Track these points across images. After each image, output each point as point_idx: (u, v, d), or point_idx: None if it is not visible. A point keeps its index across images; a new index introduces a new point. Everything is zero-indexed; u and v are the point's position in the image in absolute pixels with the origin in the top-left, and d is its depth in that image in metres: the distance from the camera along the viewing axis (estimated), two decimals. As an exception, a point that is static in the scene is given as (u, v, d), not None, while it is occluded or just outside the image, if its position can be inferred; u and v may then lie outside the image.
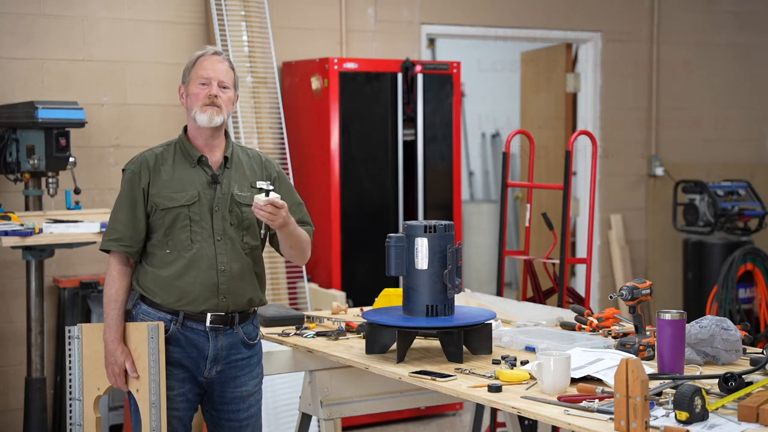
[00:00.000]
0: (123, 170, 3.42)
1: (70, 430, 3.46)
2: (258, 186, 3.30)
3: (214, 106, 3.35)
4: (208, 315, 3.35)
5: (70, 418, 3.45)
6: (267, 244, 3.56)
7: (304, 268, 5.89)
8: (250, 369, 3.47)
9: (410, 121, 6.09)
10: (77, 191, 5.18)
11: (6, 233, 4.73)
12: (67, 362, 3.46)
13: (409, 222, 3.37)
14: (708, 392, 2.64)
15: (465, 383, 3.03)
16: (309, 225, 3.55)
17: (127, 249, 3.34)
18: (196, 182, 3.36)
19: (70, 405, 3.45)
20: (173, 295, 3.33)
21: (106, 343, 3.33)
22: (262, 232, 3.43)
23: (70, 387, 3.45)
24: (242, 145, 3.53)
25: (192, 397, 3.41)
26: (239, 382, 3.45)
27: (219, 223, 3.36)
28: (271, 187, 3.29)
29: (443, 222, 3.33)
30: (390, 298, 3.95)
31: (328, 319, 3.93)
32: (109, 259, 3.37)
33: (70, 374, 3.45)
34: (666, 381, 2.88)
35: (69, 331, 3.45)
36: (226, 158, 3.41)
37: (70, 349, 3.45)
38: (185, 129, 3.45)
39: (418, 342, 3.48)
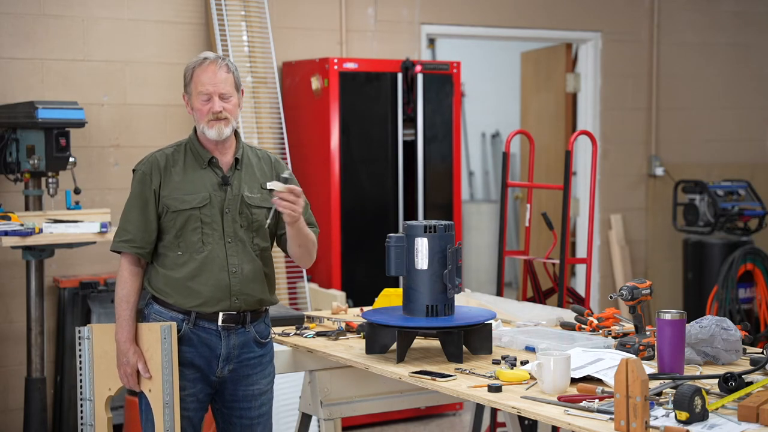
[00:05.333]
0: (134, 171, 3.41)
1: (81, 430, 3.47)
2: (276, 181, 3.27)
3: (220, 120, 3.33)
4: (220, 314, 3.35)
5: (81, 418, 3.46)
6: (274, 244, 3.55)
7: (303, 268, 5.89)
8: (262, 368, 3.48)
9: (410, 121, 6.09)
10: (77, 191, 5.17)
11: (6, 233, 4.73)
12: (78, 363, 3.47)
13: (409, 222, 3.37)
14: (708, 392, 2.64)
15: (465, 383, 3.03)
16: (315, 227, 3.53)
17: (139, 250, 3.33)
18: (206, 184, 3.36)
19: (81, 405, 3.46)
20: (186, 297, 3.33)
21: (118, 343, 3.33)
22: (269, 222, 3.37)
23: (81, 387, 3.46)
24: (252, 146, 3.52)
25: (202, 398, 3.42)
26: (251, 380, 3.45)
27: (230, 224, 3.36)
28: (288, 175, 3.29)
29: (443, 222, 3.33)
30: (390, 298, 3.94)
31: (328, 319, 3.93)
32: (120, 260, 3.37)
33: (80, 375, 3.46)
34: (666, 381, 2.88)
35: (79, 332, 3.46)
36: (236, 160, 3.41)
37: (80, 350, 3.45)
38: (195, 129, 3.44)
39: (418, 342, 3.48)
